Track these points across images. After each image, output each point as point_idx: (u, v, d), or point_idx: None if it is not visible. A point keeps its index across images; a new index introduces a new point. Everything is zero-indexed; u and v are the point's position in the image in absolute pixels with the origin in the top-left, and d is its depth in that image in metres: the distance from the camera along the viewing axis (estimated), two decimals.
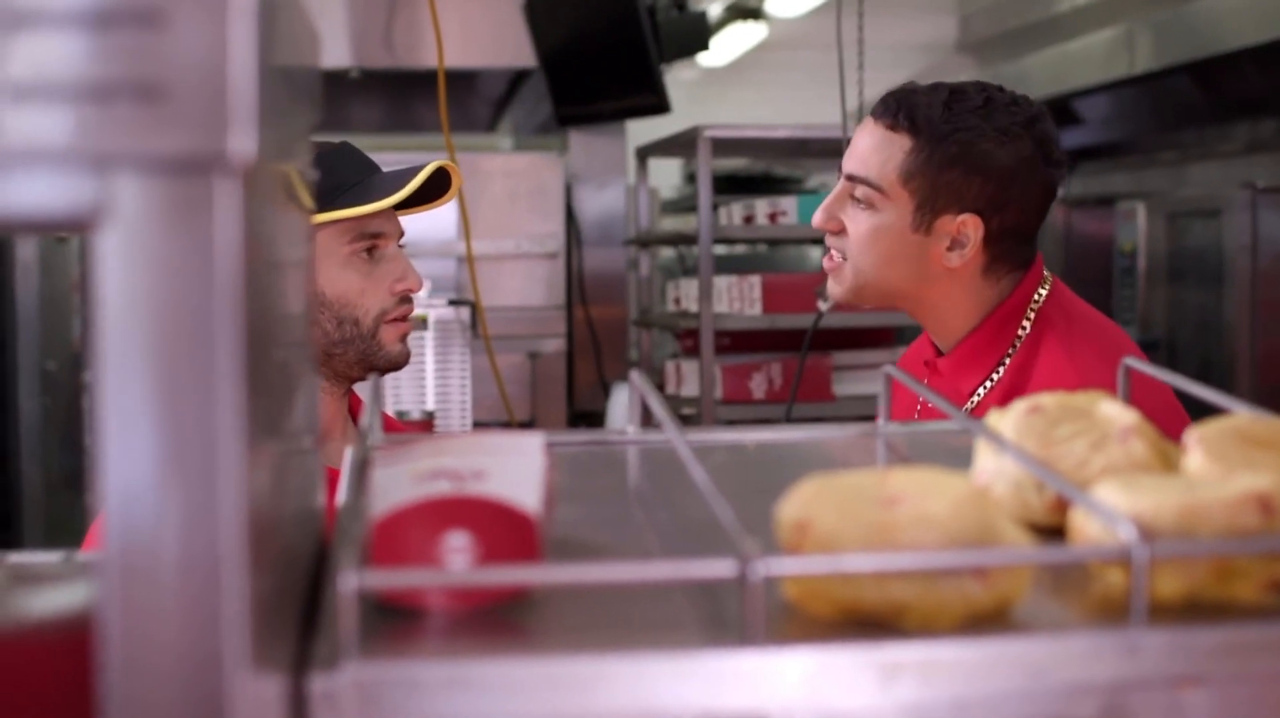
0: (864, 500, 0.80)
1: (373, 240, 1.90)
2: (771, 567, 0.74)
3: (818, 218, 1.88)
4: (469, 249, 3.32)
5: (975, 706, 0.76)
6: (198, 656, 0.64)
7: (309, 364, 0.87)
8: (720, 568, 0.75)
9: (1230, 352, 4.75)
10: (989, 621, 0.78)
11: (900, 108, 1.83)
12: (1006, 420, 0.99)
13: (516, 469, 0.85)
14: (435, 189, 1.92)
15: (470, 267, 3.35)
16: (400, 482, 0.83)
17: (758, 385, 3.86)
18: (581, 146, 4.53)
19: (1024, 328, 1.86)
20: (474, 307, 3.51)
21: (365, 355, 1.89)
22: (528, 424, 4.06)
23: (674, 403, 3.87)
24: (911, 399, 1.97)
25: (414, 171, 1.88)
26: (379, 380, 1.12)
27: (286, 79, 0.77)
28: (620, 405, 3.87)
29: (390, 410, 3.49)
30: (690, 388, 3.91)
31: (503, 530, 0.79)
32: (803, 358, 2.58)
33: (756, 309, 3.68)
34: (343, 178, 1.88)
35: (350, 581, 0.72)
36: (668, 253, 6.44)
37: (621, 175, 4.56)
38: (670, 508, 1.05)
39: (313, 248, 1.85)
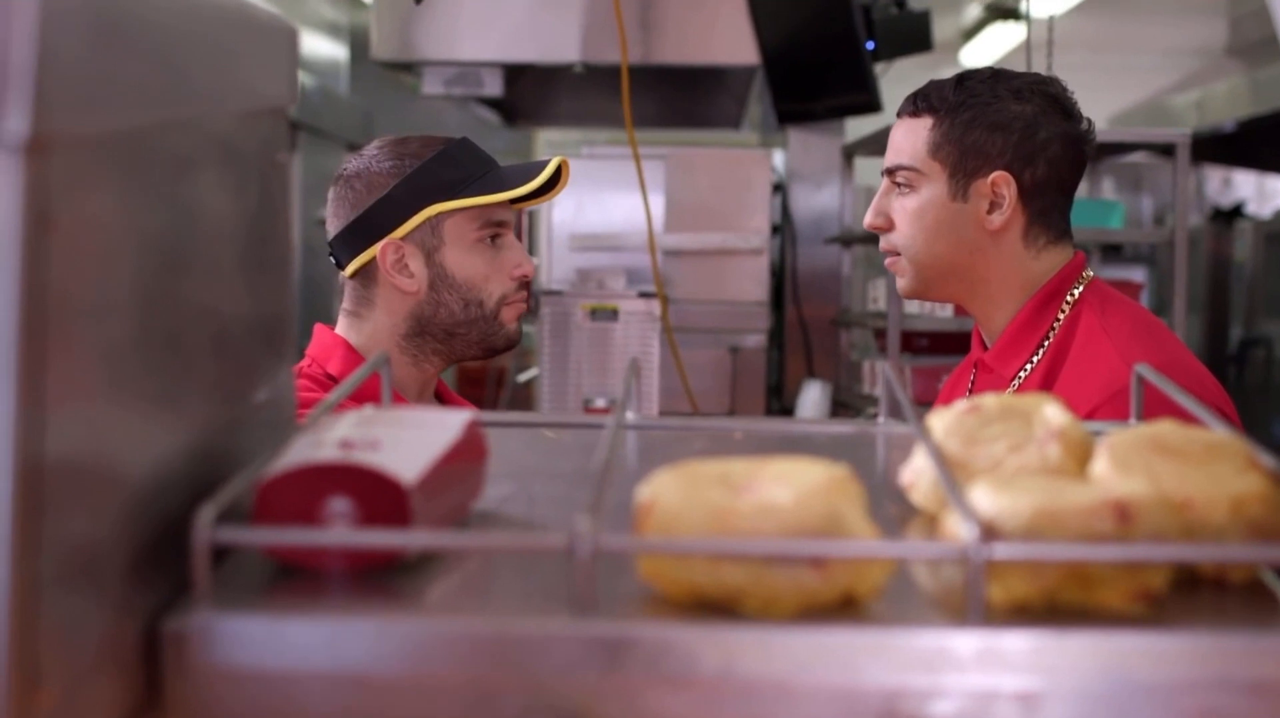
0: (717, 487, 0.81)
1: (497, 228, 2.02)
2: (601, 543, 0.77)
3: (868, 218, 1.99)
4: (651, 241, 3.37)
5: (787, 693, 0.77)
6: None
7: (218, 333, 0.92)
8: (552, 541, 0.78)
9: None
10: (829, 611, 0.79)
11: (917, 98, 1.97)
12: (941, 419, 0.99)
13: (414, 442, 0.89)
14: (548, 184, 2.02)
15: (653, 259, 3.41)
16: (304, 447, 0.89)
17: None
18: (800, 144, 4.54)
19: (1062, 312, 1.94)
20: (661, 298, 3.56)
21: (486, 335, 2.02)
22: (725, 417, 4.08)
23: (867, 402, 3.85)
24: (960, 395, 2.02)
25: (537, 166, 1.99)
26: (385, 355, 1.17)
27: (147, 46, 0.78)
28: (810, 402, 3.88)
29: (578, 399, 3.57)
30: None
31: (375, 497, 0.83)
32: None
33: (948, 311, 3.62)
34: (470, 170, 2.00)
35: (204, 533, 0.78)
36: None
37: (838, 174, 4.54)
38: (623, 490, 1.08)
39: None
